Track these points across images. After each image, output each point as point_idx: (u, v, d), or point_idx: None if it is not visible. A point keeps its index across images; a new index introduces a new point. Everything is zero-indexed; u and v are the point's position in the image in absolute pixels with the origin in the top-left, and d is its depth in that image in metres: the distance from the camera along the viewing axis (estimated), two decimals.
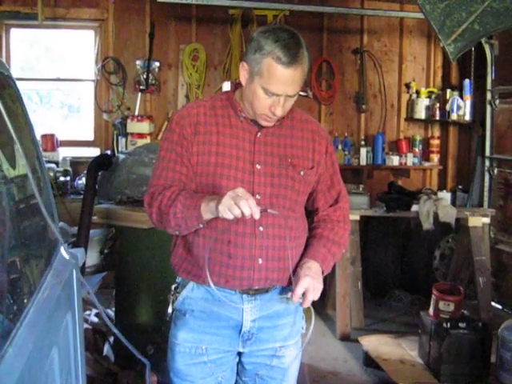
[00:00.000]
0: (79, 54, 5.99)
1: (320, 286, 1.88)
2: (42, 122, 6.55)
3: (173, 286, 2.07)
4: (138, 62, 5.57)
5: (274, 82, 1.81)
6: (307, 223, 2.11)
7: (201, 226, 1.84)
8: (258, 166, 1.92)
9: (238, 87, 1.99)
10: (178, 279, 2.06)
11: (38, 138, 5.45)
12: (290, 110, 1.99)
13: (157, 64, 5.61)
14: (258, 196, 1.90)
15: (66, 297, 1.47)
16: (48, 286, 1.36)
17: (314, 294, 1.87)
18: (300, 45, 1.82)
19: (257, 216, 1.67)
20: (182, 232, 1.93)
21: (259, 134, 1.95)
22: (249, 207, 1.65)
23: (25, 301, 1.25)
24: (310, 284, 1.86)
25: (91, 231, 3.57)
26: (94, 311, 3.84)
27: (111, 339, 3.65)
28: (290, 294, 1.88)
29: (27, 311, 1.20)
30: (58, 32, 5.88)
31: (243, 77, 1.91)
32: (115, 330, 1.38)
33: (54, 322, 1.35)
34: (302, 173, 1.98)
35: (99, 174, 3.70)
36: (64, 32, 5.88)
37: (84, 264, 3.26)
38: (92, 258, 3.68)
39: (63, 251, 1.62)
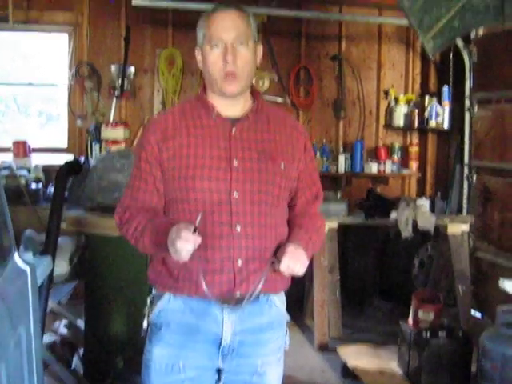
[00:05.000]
0: (53, 58, 5.87)
1: (301, 266, 1.78)
2: (19, 129, 6.42)
3: (148, 300, 1.96)
4: (112, 67, 5.42)
5: (214, 28, 1.85)
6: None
7: None
8: (235, 162, 1.83)
9: (206, 87, 1.97)
10: (154, 291, 1.95)
11: (10, 145, 5.30)
12: (265, 105, 1.97)
13: (132, 69, 5.48)
14: (235, 193, 1.81)
15: (17, 309, 1.36)
16: None
17: (295, 264, 1.77)
18: (236, 5, 1.89)
19: (198, 240, 1.65)
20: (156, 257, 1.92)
21: (234, 129, 1.87)
22: (185, 241, 1.62)
23: None
24: (294, 252, 1.79)
25: (60, 239, 3.45)
26: (64, 322, 3.72)
27: (81, 351, 3.53)
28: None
29: None
30: (31, 35, 5.75)
31: (198, 60, 1.95)
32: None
33: (0, 336, 1.25)
34: (282, 166, 1.89)
35: (70, 179, 3.59)
36: (37, 35, 5.75)
37: (52, 273, 3.14)
38: (61, 266, 3.56)
39: (17, 259, 1.51)
